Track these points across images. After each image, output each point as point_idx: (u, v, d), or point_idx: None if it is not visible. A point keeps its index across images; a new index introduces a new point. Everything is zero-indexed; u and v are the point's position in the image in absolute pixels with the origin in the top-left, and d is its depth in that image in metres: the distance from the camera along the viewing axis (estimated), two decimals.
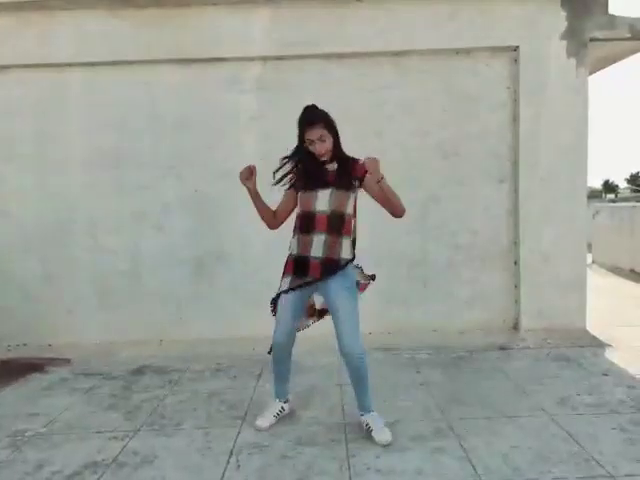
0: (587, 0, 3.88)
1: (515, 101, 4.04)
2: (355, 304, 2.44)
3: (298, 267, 2.45)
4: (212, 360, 3.75)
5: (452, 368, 3.52)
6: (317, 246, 2.40)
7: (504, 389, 3.12)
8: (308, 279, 2.43)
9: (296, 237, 2.49)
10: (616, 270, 7.33)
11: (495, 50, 4.01)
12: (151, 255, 4.13)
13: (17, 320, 4.13)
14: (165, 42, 3.94)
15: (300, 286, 2.44)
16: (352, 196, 2.45)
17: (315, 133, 2.36)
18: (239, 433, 2.60)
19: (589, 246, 8.07)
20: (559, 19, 3.94)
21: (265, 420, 2.62)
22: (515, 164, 4.07)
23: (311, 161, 2.44)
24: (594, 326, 4.14)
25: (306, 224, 2.43)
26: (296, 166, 2.50)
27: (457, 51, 4.01)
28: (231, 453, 2.40)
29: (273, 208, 2.59)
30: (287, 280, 2.48)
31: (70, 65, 4.04)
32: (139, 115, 4.06)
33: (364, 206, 3.93)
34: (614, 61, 4.33)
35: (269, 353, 2.62)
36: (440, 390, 3.12)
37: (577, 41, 3.93)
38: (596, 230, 8.14)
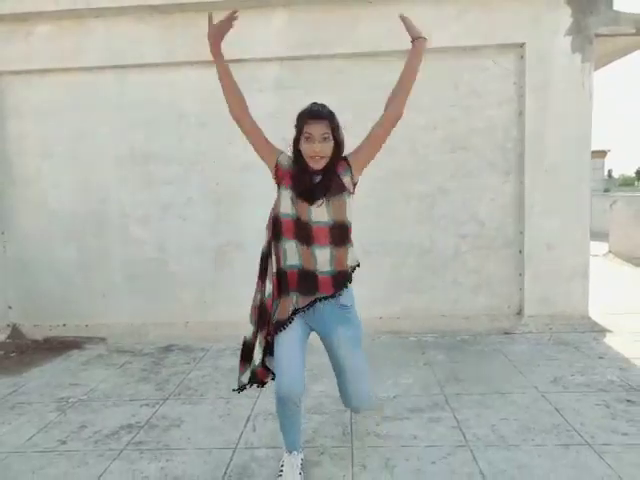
0: None
1: (521, 96, 4.19)
2: (359, 343, 2.09)
3: (303, 282, 2.01)
4: (233, 340, 4.07)
5: (455, 350, 3.76)
6: (323, 261, 1.99)
7: (502, 369, 3.35)
8: (319, 295, 2.01)
9: (287, 245, 2.02)
10: (634, 260, 7.35)
11: (502, 47, 4.16)
12: (176, 244, 4.47)
13: (57, 303, 4.53)
14: (188, 45, 4.22)
15: (309, 306, 2.01)
16: (348, 199, 2.03)
17: (318, 129, 1.94)
18: (255, 403, 2.91)
19: (605, 235, 8.15)
20: (564, 16, 4.06)
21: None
22: (521, 157, 4.23)
23: (301, 169, 2.02)
24: (599, 314, 4.30)
25: (303, 234, 1.99)
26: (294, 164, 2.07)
27: (464, 49, 4.18)
28: (248, 419, 2.72)
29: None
30: (289, 299, 2.02)
31: (101, 68, 4.37)
32: (165, 114, 4.37)
33: (372, 198, 4.18)
34: (619, 56, 4.42)
35: (238, 390, 2.20)
36: (441, 369, 3.37)
37: (582, 37, 4.05)
38: (613, 220, 8.15)
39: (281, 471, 2.11)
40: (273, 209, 2.11)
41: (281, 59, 4.27)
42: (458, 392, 2.99)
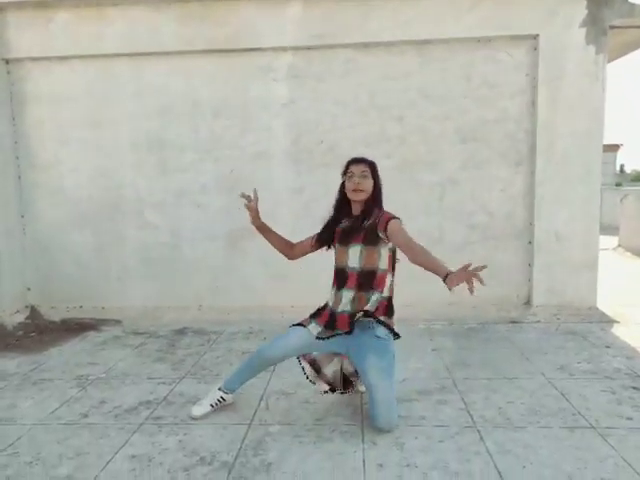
0: None
1: (534, 87, 4.21)
2: (391, 372, 2.37)
3: (329, 320, 2.46)
4: (245, 324, 4.18)
5: (463, 337, 3.83)
6: (345, 302, 2.41)
7: (509, 356, 3.41)
8: (338, 332, 2.40)
9: (332, 291, 2.51)
10: None
11: (515, 38, 4.18)
12: (190, 230, 4.56)
13: (74, 285, 4.65)
14: (204, 34, 4.28)
15: (328, 338, 2.41)
16: (383, 250, 2.39)
17: (359, 168, 2.40)
18: (268, 383, 3.00)
19: (615, 229, 8.14)
20: (579, 7, 4.06)
21: (201, 408, 2.56)
22: (532, 148, 4.26)
23: (345, 214, 2.50)
24: (607, 305, 4.35)
25: (339, 280, 2.45)
26: (333, 220, 2.55)
27: (478, 40, 4.20)
28: (261, 398, 2.81)
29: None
30: (317, 327, 2.47)
31: (118, 56, 4.44)
32: (180, 102, 4.45)
33: (383, 187, 4.23)
34: (633, 48, 4.42)
35: (325, 392, 2.65)
36: (450, 355, 3.44)
37: (597, 29, 4.06)
38: (623, 214, 8.15)
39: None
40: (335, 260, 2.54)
41: (295, 49, 4.32)
42: (466, 376, 3.06)
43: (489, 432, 2.40)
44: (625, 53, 4.51)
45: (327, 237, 2.54)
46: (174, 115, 4.46)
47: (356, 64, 4.30)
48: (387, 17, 4.15)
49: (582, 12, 4.06)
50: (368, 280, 2.35)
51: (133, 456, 2.26)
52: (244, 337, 3.93)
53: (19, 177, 4.63)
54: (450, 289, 2.03)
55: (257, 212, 2.67)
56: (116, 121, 4.51)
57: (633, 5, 3.95)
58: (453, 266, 4.42)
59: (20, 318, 4.46)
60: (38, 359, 3.54)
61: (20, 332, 4.21)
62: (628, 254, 7.52)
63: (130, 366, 3.36)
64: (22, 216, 4.65)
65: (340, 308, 2.40)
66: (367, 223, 2.38)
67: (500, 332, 3.94)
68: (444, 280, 2.05)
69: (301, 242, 2.70)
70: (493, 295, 4.40)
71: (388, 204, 4.67)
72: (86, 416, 2.65)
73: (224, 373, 3.17)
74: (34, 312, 4.58)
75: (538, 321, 4.16)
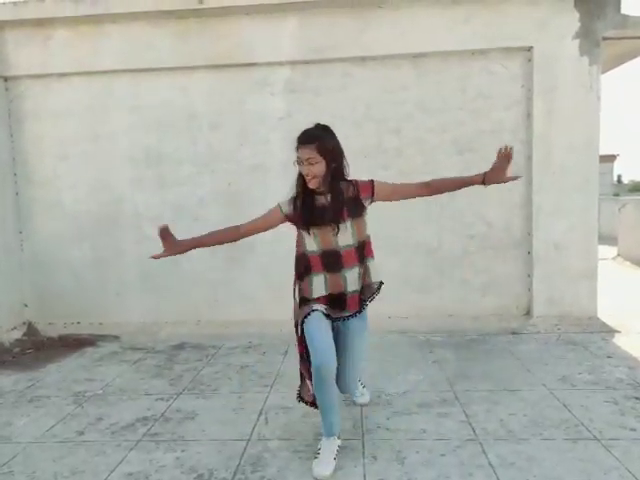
0: (600, 0, 4.04)
1: (529, 99, 4.24)
2: (365, 348, 2.41)
3: (334, 302, 2.26)
4: (244, 338, 4.15)
5: (464, 349, 3.80)
6: (352, 281, 2.25)
7: (510, 367, 3.38)
8: (346, 313, 2.28)
9: (316, 278, 2.24)
10: None
11: (509, 50, 4.22)
12: None
13: (71, 301, 4.62)
14: (201, 49, 4.32)
15: (337, 319, 2.28)
16: (365, 218, 2.30)
17: (305, 153, 2.14)
18: (267, 398, 2.97)
19: (614, 239, 8.14)
20: (572, 19, 4.11)
21: (328, 466, 2.16)
22: (529, 159, 4.28)
23: (307, 195, 2.23)
24: (608, 315, 4.32)
25: (329, 263, 2.22)
26: (295, 200, 2.27)
27: (473, 52, 4.24)
28: (261, 412, 2.78)
29: None
30: (319, 306, 2.25)
31: (116, 72, 4.47)
32: (178, 117, 4.47)
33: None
34: (627, 59, 4.46)
35: (300, 399, 2.39)
36: (450, 367, 3.41)
37: (590, 40, 4.10)
38: (622, 223, 8.15)
39: (317, 454, 2.23)
40: (297, 247, 2.33)
41: (292, 63, 4.35)
42: (467, 388, 3.03)
43: (491, 445, 2.36)
44: (619, 64, 4.56)
45: (309, 216, 2.23)
46: (172, 129, 4.48)
47: (353, 78, 4.33)
48: (383, 31, 4.19)
49: (575, 24, 4.10)
50: (362, 252, 2.28)
51: (130, 474, 2.22)
52: (243, 351, 3.89)
53: (17, 193, 4.63)
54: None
55: (171, 239, 2.31)
56: (114, 136, 4.53)
57: (626, 17, 4.00)
58: (452, 279, 4.43)
59: (17, 335, 4.42)
60: (35, 376, 3.51)
61: (17, 349, 4.18)
62: (627, 263, 7.50)
63: (127, 382, 3.32)
64: (20, 232, 4.64)
65: (350, 288, 2.25)
66: (344, 197, 2.22)
67: (500, 343, 3.91)
68: (484, 183, 2.36)
69: (254, 221, 2.34)
70: (493, 306, 4.39)
71: (386, 216, 4.69)
72: (82, 433, 2.61)
73: (222, 388, 3.14)
74: (31, 328, 4.54)
75: (538, 332, 4.14)
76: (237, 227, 2.35)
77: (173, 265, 4.55)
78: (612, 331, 4.07)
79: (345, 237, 2.22)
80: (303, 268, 2.29)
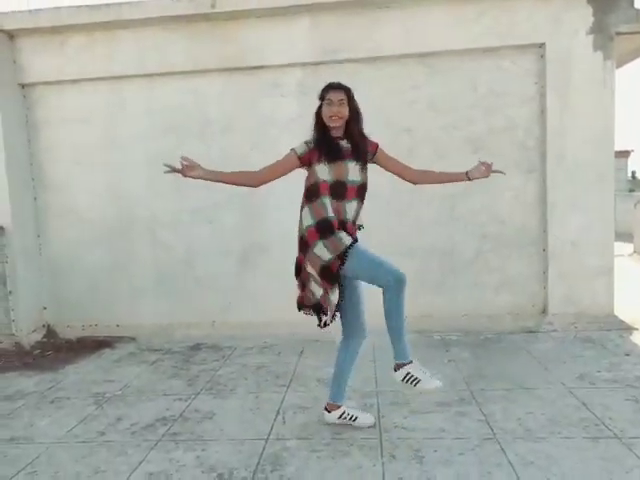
0: None
1: (542, 95, 4.21)
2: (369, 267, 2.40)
3: (339, 228, 2.43)
4: (258, 339, 4.17)
5: (480, 348, 3.78)
6: (349, 212, 2.45)
7: (527, 366, 3.36)
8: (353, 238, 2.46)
9: (325, 200, 2.41)
10: None
11: (521, 47, 4.19)
12: (203, 247, 4.59)
13: (88, 304, 4.68)
14: (213, 52, 4.36)
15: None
16: (367, 167, 2.54)
17: (336, 95, 2.42)
18: (284, 397, 2.99)
19: (629, 236, 8.03)
20: (586, 14, 4.07)
21: (433, 379, 2.41)
22: (543, 155, 4.24)
23: (328, 137, 2.47)
24: (625, 312, 4.27)
25: (337, 192, 2.42)
26: (313, 142, 2.49)
27: (484, 50, 4.22)
28: (278, 412, 2.79)
29: None
30: (346, 236, 2.41)
31: (130, 77, 4.53)
32: (190, 120, 4.51)
33: (395, 200, 4.26)
34: None
35: (321, 325, 2.56)
36: (466, 366, 3.40)
37: (604, 35, 4.06)
38: (638, 219, 8.04)
39: (414, 381, 2.39)
40: (308, 180, 2.50)
41: (303, 64, 4.37)
42: (483, 387, 3.02)
43: (510, 444, 2.35)
44: (634, 58, 4.50)
45: (336, 152, 2.44)
46: (185, 133, 4.52)
47: (364, 78, 4.32)
48: (393, 31, 4.19)
49: (588, 19, 4.06)
50: (362, 193, 2.51)
51: (151, 473, 2.25)
52: (258, 352, 3.92)
53: (35, 198, 4.71)
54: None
55: (190, 162, 2.49)
56: (128, 141, 4.58)
57: (639, 11, 3.95)
58: (465, 280, 4.40)
59: (37, 337, 4.50)
60: (55, 377, 3.57)
61: (37, 351, 4.25)
62: None
63: (146, 383, 3.37)
64: (38, 236, 4.72)
65: (347, 217, 2.46)
66: (363, 141, 2.52)
67: (516, 342, 3.88)
68: (467, 178, 2.63)
69: (273, 166, 2.54)
70: (508, 304, 4.36)
71: (400, 218, 4.66)
72: (103, 434, 2.65)
73: (239, 388, 3.17)
74: (50, 331, 4.62)
75: (555, 330, 4.10)
76: (255, 172, 2.58)
77: (188, 268, 4.61)
78: (630, 328, 4.02)
79: (354, 173, 2.45)
80: (313, 195, 2.46)
